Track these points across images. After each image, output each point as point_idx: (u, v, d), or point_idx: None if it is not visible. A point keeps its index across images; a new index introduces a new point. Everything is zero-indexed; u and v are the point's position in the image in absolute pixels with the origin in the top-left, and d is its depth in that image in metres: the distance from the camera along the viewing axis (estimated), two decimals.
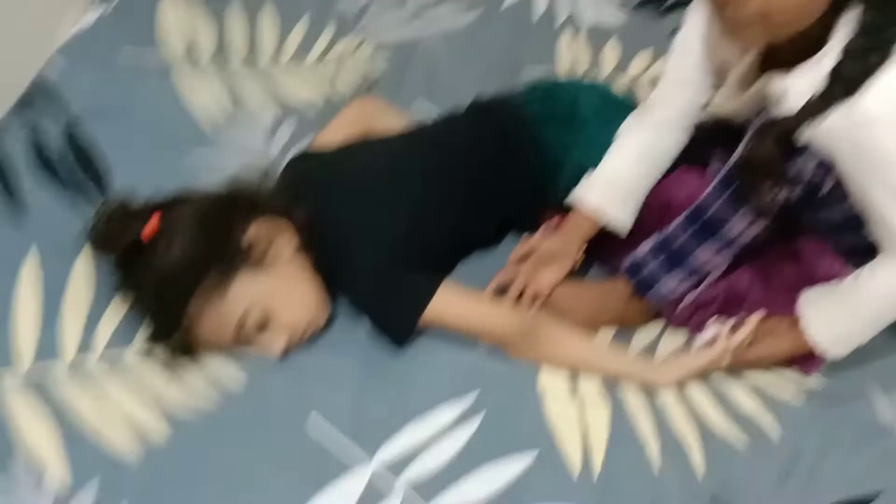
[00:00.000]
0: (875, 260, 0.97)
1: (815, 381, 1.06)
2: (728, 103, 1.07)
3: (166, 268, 0.96)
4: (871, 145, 0.87)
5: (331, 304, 1.07)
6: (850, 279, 0.99)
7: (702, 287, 1.07)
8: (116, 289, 1.02)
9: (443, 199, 1.13)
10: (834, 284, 1.01)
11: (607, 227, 1.12)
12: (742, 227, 1.00)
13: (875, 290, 0.97)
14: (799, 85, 0.90)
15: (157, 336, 0.99)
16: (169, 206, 1.01)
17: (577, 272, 1.15)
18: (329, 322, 1.07)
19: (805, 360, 1.06)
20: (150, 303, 0.99)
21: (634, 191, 1.12)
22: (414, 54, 1.51)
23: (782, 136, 0.92)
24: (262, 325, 1.00)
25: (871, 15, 0.86)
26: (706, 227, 1.02)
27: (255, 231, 1.01)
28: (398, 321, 1.04)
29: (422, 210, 1.10)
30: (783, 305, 1.05)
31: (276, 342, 1.00)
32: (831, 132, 0.89)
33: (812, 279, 1.05)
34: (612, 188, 1.12)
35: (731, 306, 1.08)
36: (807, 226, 1.03)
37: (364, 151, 1.19)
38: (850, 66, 0.87)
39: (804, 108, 0.90)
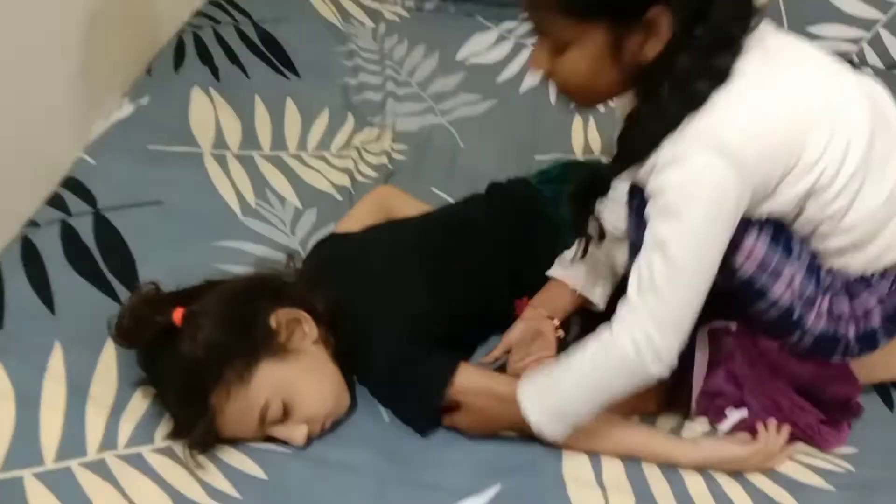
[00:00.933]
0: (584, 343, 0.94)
1: (841, 469, 1.04)
2: None
3: (191, 357, 0.97)
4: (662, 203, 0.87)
5: (350, 393, 1.08)
6: (562, 360, 0.97)
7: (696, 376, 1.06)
8: (139, 382, 1.03)
9: (462, 278, 1.14)
10: (553, 363, 0.99)
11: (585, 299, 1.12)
12: None
13: (581, 360, 0.94)
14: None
15: (180, 427, 0.99)
16: (193, 297, 1.03)
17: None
18: (351, 408, 1.07)
19: (823, 434, 1.04)
20: (175, 393, 0.99)
21: (611, 264, 1.12)
22: (431, 143, 1.55)
23: (576, 191, 0.98)
24: (284, 417, 1.00)
25: (645, 85, 0.87)
26: None
27: (277, 321, 1.02)
28: (418, 408, 1.04)
29: (441, 288, 1.11)
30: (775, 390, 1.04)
31: (296, 434, 1.00)
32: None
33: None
34: (588, 262, 1.11)
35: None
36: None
37: (386, 231, 1.22)
38: (630, 134, 0.89)
39: (600, 169, 0.94)
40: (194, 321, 0.98)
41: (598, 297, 1.12)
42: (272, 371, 0.99)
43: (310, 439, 1.02)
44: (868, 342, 0.98)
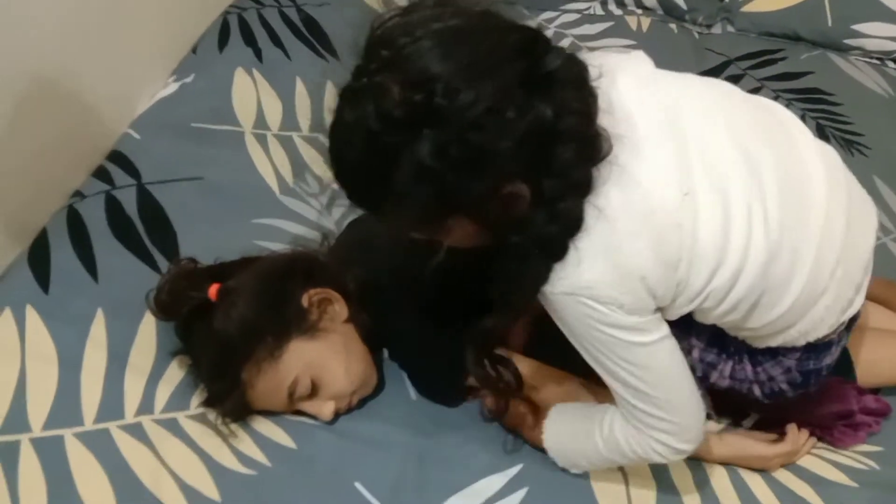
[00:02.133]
0: (615, 411, 0.92)
1: (865, 466, 1.04)
2: None
3: (224, 333, 0.99)
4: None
5: (379, 373, 1.10)
6: (595, 416, 0.94)
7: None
8: (176, 352, 1.07)
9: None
10: (585, 408, 0.98)
11: None
12: None
13: (607, 439, 0.92)
14: None
15: (213, 399, 1.02)
16: (229, 273, 1.05)
17: None
18: (379, 387, 1.09)
19: (834, 433, 1.05)
20: (208, 367, 1.02)
21: None
22: None
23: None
24: (312, 393, 1.03)
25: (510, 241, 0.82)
26: None
27: (309, 300, 1.04)
28: (445, 381, 1.05)
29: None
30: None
31: (324, 410, 1.03)
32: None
33: None
34: None
35: None
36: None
37: None
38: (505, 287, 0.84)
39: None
40: (229, 298, 1.01)
41: None
42: (302, 349, 1.01)
43: (337, 415, 1.04)
44: (777, 398, 0.98)
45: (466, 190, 0.76)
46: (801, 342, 0.92)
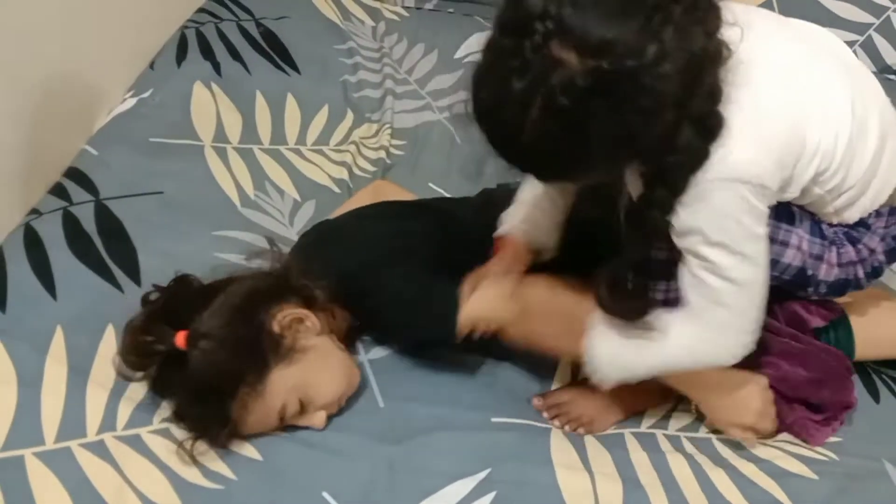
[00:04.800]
0: (672, 315, 0.96)
1: (824, 457, 1.06)
2: None
3: (204, 382, 0.97)
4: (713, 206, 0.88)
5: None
6: (644, 325, 0.97)
7: None
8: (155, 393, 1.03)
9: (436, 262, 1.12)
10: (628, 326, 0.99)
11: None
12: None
13: (666, 344, 0.96)
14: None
15: (205, 438, 0.99)
16: (186, 313, 1.01)
17: None
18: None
19: (809, 430, 1.07)
20: (193, 414, 1.00)
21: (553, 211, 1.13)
22: (428, 140, 1.57)
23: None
24: (302, 410, 1.02)
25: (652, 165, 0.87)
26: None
27: (280, 325, 1.03)
28: (440, 321, 1.04)
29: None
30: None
31: (316, 420, 1.03)
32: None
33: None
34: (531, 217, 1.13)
35: None
36: None
37: (373, 206, 1.25)
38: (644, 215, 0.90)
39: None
40: (199, 344, 0.98)
41: (552, 243, 1.13)
42: (284, 376, 1.00)
43: (329, 418, 1.04)
44: (875, 275, 1.05)
45: (653, 134, 0.81)
46: (876, 205, 1.00)
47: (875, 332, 1.15)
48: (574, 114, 0.77)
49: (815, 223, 1.01)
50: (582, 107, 0.76)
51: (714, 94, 0.84)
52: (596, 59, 0.75)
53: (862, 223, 1.02)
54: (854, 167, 0.97)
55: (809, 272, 1.01)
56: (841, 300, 1.12)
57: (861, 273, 1.03)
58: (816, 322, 1.11)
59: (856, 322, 1.13)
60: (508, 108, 0.79)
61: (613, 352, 0.99)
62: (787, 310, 1.11)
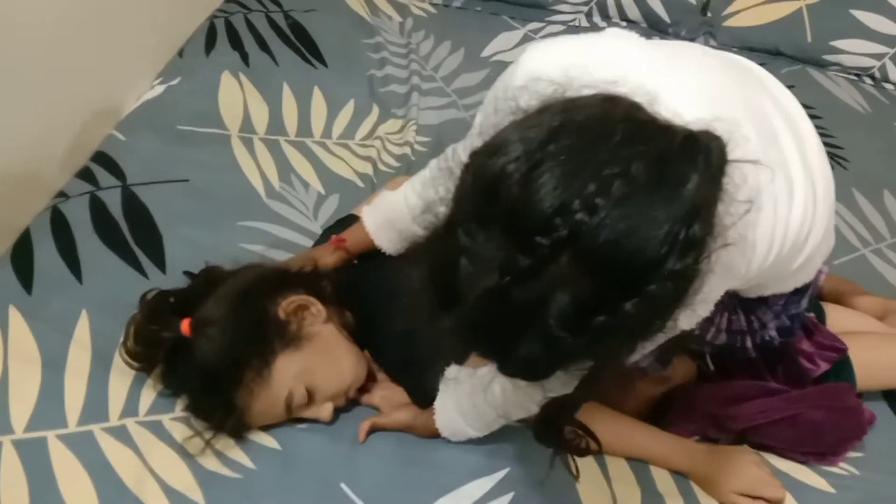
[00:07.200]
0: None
1: (845, 472, 1.06)
2: None
3: (208, 367, 0.98)
4: None
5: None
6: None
7: None
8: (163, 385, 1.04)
9: None
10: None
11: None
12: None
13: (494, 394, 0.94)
14: None
15: (211, 426, 0.99)
16: (192, 302, 1.02)
17: None
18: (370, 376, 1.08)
19: (822, 463, 1.06)
20: (199, 401, 1.00)
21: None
22: (452, 137, 1.57)
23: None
24: (309, 400, 1.02)
25: None
26: None
27: (285, 311, 1.03)
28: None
29: None
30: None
31: (323, 412, 1.03)
32: None
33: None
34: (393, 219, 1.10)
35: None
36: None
37: None
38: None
39: None
40: (204, 330, 0.98)
41: (389, 245, 1.12)
42: (290, 362, 1.00)
43: (336, 411, 1.04)
44: (764, 347, 1.01)
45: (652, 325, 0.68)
46: (790, 287, 0.94)
47: (874, 368, 1.11)
48: (594, 328, 0.63)
49: None
50: (603, 318, 0.63)
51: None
52: (609, 288, 0.62)
53: (761, 298, 0.98)
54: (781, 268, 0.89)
55: (696, 332, 0.90)
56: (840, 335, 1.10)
57: (749, 343, 1.00)
58: (823, 368, 1.08)
59: (855, 357, 1.10)
60: (509, 323, 0.65)
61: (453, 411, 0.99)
62: (789, 361, 1.08)
